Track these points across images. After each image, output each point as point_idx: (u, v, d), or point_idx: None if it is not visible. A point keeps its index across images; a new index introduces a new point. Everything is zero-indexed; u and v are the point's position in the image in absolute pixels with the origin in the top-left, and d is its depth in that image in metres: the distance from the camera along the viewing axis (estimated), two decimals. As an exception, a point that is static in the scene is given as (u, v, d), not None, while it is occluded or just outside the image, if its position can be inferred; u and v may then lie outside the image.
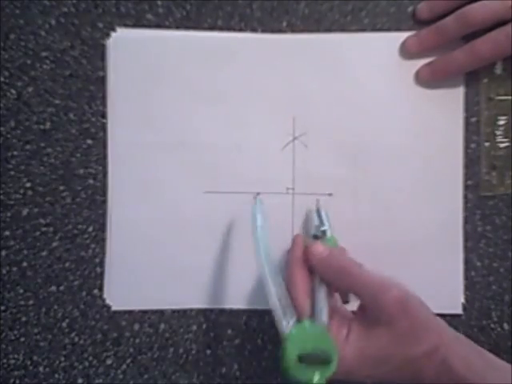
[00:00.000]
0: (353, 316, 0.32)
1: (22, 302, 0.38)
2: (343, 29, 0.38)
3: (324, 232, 0.35)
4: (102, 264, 0.38)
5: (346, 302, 0.35)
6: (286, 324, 0.30)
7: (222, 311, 0.38)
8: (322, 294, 0.32)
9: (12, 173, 0.38)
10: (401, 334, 0.30)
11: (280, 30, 0.38)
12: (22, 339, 0.38)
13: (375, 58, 0.38)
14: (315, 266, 0.33)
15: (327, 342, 0.30)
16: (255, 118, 0.38)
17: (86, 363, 0.38)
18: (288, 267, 0.33)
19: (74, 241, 0.38)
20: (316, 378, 0.28)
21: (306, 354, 0.29)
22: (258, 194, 0.35)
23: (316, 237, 0.35)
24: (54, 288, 0.38)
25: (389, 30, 0.38)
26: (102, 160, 0.38)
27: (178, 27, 0.38)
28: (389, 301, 0.30)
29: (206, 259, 0.38)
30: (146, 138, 0.38)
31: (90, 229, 0.38)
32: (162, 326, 0.38)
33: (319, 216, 0.36)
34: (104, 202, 0.38)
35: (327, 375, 0.29)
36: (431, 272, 0.38)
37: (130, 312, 0.38)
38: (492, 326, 0.38)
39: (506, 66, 0.38)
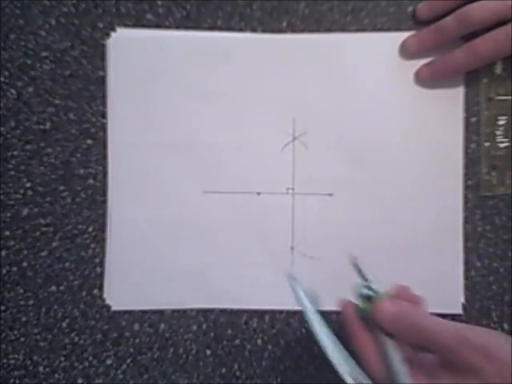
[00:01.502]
0: (437, 371, 0.30)
1: (22, 302, 0.38)
2: (343, 29, 0.38)
3: (370, 288, 0.31)
4: (102, 264, 0.38)
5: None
6: None
7: (222, 311, 0.38)
8: (394, 353, 0.29)
9: (12, 173, 0.38)
10: (491, 379, 0.28)
11: (280, 30, 0.38)
12: (22, 339, 0.38)
13: (375, 58, 0.38)
14: (386, 327, 0.30)
15: None
16: (255, 118, 0.38)
17: (86, 363, 0.38)
18: (350, 333, 0.31)
19: (74, 241, 0.38)
20: None
21: None
22: (292, 277, 0.32)
23: (367, 297, 0.31)
24: (53, 288, 0.38)
25: (389, 30, 0.38)
26: (102, 160, 0.38)
27: (178, 27, 0.38)
28: (472, 351, 0.28)
29: (206, 259, 0.38)
30: (146, 138, 0.38)
31: (90, 229, 0.38)
32: (162, 325, 0.38)
33: (359, 272, 0.32)
34: (104, 202, 0.38)
35: None
36: (431, 272, 0.38)
37: (130, 312, 0.38)
38: (492, 326, 0.38)
39: (505, 65, 0.38)
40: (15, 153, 0.38)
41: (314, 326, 0.30)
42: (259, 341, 0.39)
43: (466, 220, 0.38)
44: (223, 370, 0.39)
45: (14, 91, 0.38)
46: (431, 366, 0.30)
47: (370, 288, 0.31)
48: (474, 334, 0.29)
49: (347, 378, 0.28)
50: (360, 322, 0.31)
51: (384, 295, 0.31)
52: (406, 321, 0.30)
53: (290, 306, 0.38)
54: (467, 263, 0.38)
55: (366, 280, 0.32)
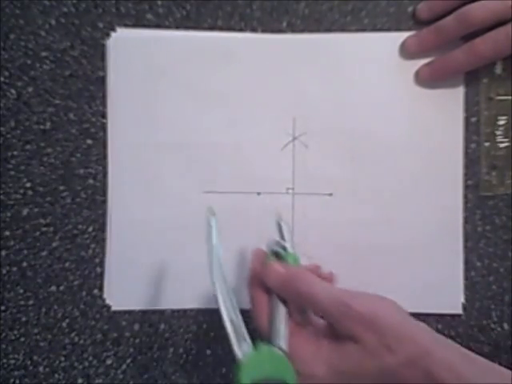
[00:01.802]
0: (323, 330, 0.31)
1: (22, 302, 0.38)
2: (343, 29, 0.38)
3: (284, 248, 0.33)
4: (102, 264, 0.38)
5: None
6: (240, 350, 0.28)
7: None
8: (280, 315, 0.30)
9: (12, 173, 0.38)
10: (371, 349, 0.28)
11: (280, 30, 0.38)
12: (22, 339, 0.38)
13: (375, 57, 0.38)
14: (273, 289, 0.31)
15: (284, 367, 0.28)
16: (255, 118, 0.38)
17: (86, 363, 0.38)
18: (248, 286, 0.32)
19: (74, 241, 0.38)
20: None
21: (261, 381, 0.27)
22: (211, 210, 0.32)
23: (276, 253, 0.33)
24: (53, 288, 0.38)
25: (389, 30, 0.38)
26: (102, 160, 0.38)
27: (177, 27, 0.38)
28: (352, 320, 0.28)
29: (206, 259, 0.38)
30: (146, 138, 0.38)
31: (90, 229, 0.38)
32: (162, 326, 0.38)
33: (280, 230, 0.34)
34: (104, 202, 0.38)
35: None
36: (431, 272, 0.38)
37: (130, 312, 0.38)
38: (492, 326, 0.38)
39: (505, 65, 0.38)
40: (15, 153, 0.38)
41: (211, 266, 0.30)
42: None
43: (466, 220, 0.38)
44: (223, 370, 0.39)
45: (13, 91, 0.38)
46: (319, 333, 0.30)
47: (282, 246, 0.32)
48: (357, 304, 0.29)
49: (227, 323, 0.29)
50: (260, 278, 0.32)
51: (291, 255, 0.32)
52: (293, 284, 0.30)
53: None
54: (467, 263, 0.38)
55: (283, 239, 0.33)
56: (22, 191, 0.38)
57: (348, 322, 0.28)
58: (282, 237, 0.33)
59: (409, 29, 0.38)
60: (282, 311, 0.31)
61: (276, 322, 0.30)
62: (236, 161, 0.38)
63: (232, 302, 0.30)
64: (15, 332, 0.38)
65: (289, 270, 0.31)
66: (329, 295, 0.30)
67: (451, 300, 0.38)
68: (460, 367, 0.27)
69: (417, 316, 0.32)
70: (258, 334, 0.30)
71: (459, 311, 0.38)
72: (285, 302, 0.31)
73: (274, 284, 0.31)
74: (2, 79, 0.38)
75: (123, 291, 0.38)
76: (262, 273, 0.32)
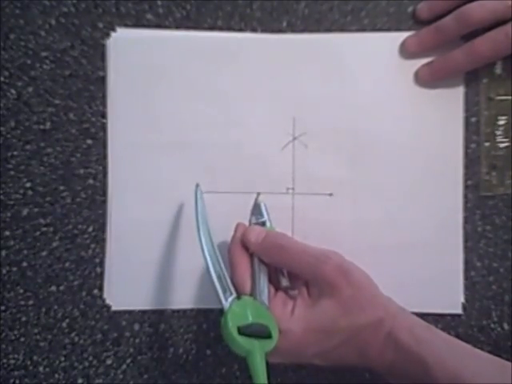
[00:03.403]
0: (298, 293, 0.33)
1: (22, 302, 0.38)
2: (343, 29, 0.38)
3: (264, 223, 0.35)
4: (102, 264, 0.38)
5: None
6: (226, 300, 0.31)
7: (222, 311, 0.38)
8: (262, 275, 0.33)
9: (12, 173, 0.38)
10: (344, 302, 0.30)
11: (280, 30, 0.38)
12: (22, 339, 0.38)
13: (375, 58, 0.38)
14: (253, 249, 0.33)
15: (267, 317, 0.30)
16: (255, 118, 0.38)
17: (86, 363, 0.38)
18: (229, 251, 0.34)
19: (74, 241, 0.38)
20: (256, 349, 0.29)
21: (246, 326, 0.29)
22: (197, 185, 0.36)
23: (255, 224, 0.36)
24: (53, 288, 0.38)
25: (389, 30, 0.38)
26: (102, 160, 0.38)
27: (177, 27, 0.38)
28: (328, 270, 0.30)
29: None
30: (146, 138, 0.38)
31: (90, 229, 0.38)
32: (162, 326, 0.38)
33: (259, 210, 0.36)
34: (104, 202, 0.38)
35: (268, 348, 0.29)
36: (431, 272, 0.38)
37: (130, 312, 0.38)
38: (492, 326, 0.38)
39: (505, 65, 0.38)
40: (15, 153, 0.38)
41: (198, 228, 0.33)
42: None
43: (466, 220, 0.38)
44: (223, 370, 0.39)
45: (13, 91, 0.38)
46: (294, 295, 0.33)
47: (261, 222, 0.35)
48: (336, 257, 0.31)
49: (213, 274, 0.32)
50: (242, 243, 0.34)
51: (270, 228, 0.35)
52: (273, 241, 0.33)
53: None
54: (467, 263, 0.38)
55: (261, 216, 0.36)
56: (21, 191, 0.38)
57: (328, 269, 0.30)
58: (261, 214, 0.36)
59: (409, 29, 0.38)
60: (262, 271, 0.33)
61: (257, 280, 0.32)
62: (236, 161, 0.38)
63: (217, 257, 0.32)
64: (15, 332, 0.38)
65: (267, 231, 0.34)
66: (308, 248, 0.32)
67: (451, 300, 0.38)
68: (420, 332, 0.30)
69: (417, 316, 0.32)
70: (238, 292, 0.32)
71: (459, 311, 0.38)
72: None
73: (255, 242, 0.33)
74: (2, 79, 0.38)
75: (123, 291, 0.38)
76: (244, 234, 0.34)
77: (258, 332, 0.29)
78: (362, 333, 0.30)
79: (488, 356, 0.29)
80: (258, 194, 0.37)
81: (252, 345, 0.29)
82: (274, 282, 0.34)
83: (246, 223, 0.36)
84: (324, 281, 0.31)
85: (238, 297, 0.31)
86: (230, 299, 0.31)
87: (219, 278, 0.32)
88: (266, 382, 0.28)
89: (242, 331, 0.29)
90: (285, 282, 0.33)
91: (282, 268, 0.34)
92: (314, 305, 0.31)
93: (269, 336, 0.29)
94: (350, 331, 0.30)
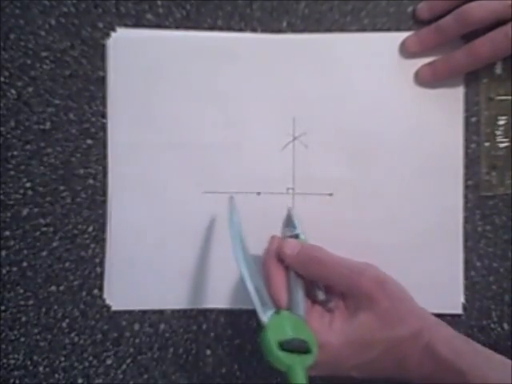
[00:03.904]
0: (335, 306, 0.32)
1: (22, 302, 0.38)
2: (343, 29, 0.38)
3: (297, 236, 0.35)
4: (102, 264, 0.38)
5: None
6: (265, 313, 0.30)
7: (222, 311, 0.38)
8: (298, 288, 0.33)
9: (12, 173, 0.38)
10: (382, 314, 0.30)
11: (280, 30, 0.38)
12: (22, 339, 0.38)
13: (375, 58, 0.38)
14: (289, 262, 0.33)
15: (306, 332, 0.30)
16: (255, 118, 0.38)
17: (86, 363, 0.38)
18: (264, 264, 0.34)
19: (74, 241, 0.38)
20: (297, 364, 0.28)
21: (287, 342, 0.29)
22: (231, 197, 0.36)
23: (289, 237, 0.36)
24: (53, 288, 0.38)
25: (389, 30, 0.38)
26: (102, 160, 0.38)
27: (177, 27, 0.38)
28: (366, 282, 0.30)
29: (206, 259, 0.38)
30: (146, 138, 0.38)
31: (90, 229, 0.38)
32: (162, 326, 0.38)
33: (292, 222, 0.37)
34: (104, 201, 0.38)
35: (308, 363, 0.29)
36: (431, 272, 0.38)
37: (130, 312, 0.38)
38: (492, 326, 0.38)
39: (505, 66, 0.38)
40: (15, 153, 0.38)
41: (233, 241, 0.33)
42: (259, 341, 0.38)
43: (466, 220, 0.38)
44: (223, 370, 0.39)
45: (13, 91, 0.38)
46: (331, 308, 0.32)
47: (295, 234, 0.36)
48: (372, 270, 0.31)
49: (251, 289, 0.31)
50: (277, 257, 0.34)
51: (303, 240, 0.35)
52: (309, 254, 0.33)
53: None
54: (467, 263, 0.38)
55: (294, 228, 0.36)
56: (21, 191, 0.38)
57: (365, 281, 0.30)
58: (294, 227, 0.36)
59: (409, 29, 0.38)
60: (299, 284, 0.33)
61: (294, 294, 0.32)
62: (236, 161, 0.38)
63: (254, 271, 0.32)
64: (15, 332, 0.38)
65: (303, 245, 0.34)
66: (344, 260, 0.32)
67: (451, 300, 0.38)
68: (459, 345, 0.30)
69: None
70: (276, 306, 0.32)
71: (459, 311, 0.38)
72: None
73: (291, 255, 0.33)
74: (2, 79, 0.38)
75: (123, 291, 0.38)
76: (279, 247, 0.34)
77: (299, 347, 0.29)
78: (400, 344, 0.30)
79: None
80: (290, 208, 0.38)
81: (293, 360, 0.28)
82: (309, 295, 0.33)
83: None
84: (361, 293, 0.30)
85: (277, 311, 0.31)
86: (269, 313, 0.31)
87: (257, 292, 0.31)
88: None
89: (282, 347, 0.29)
90: (321, 296, 0.33)
91: (318, 281, 0.34)
92: (352, 317, 0.31)
93: (309, 351, 0.29)
94: (388, 343, 0.30)
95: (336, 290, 0.33)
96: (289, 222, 0.37)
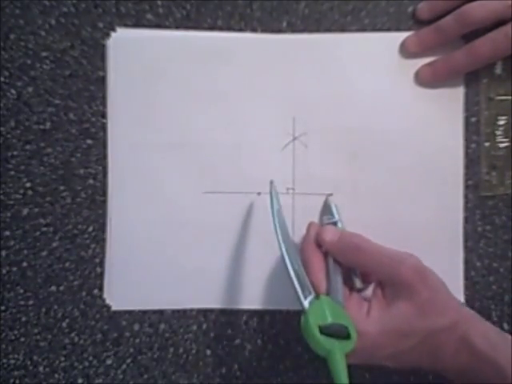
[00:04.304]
0: (373, 294, 0.32)
1: (22, 302, 0.38)
2: (343, 29, 0.38)
3: (335, 223, 0.36)
4: (102, 264, 0.38)
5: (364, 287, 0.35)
6: (305, 298, 0.30)
7: (222, 311, 0.38)
8: (337, 275, 0.33)
9: (12, 173, 0.38)
10: (422, 304, 0.30)
11: (280, 30, 0.38)
12: (22, 339, 0.38)
13: (375, 58, 0.38)
14: (328, 249, 0.33)
15: (345, 318, 0.30)
16: (255, 118, 0.38)
17: (86, 363, 0.38)
18: (303, 250, 0.34)
19: (74, 241, 0.38)
20: (337, 349, 0.28)
21: (327, 326, 0.29)
22: (272, 182, 0.36)
23: (328, 224, 0.36)
24: (53, 288, 0.38)
25: (389, 30, 0.38)
26: (102, 160, 0.38)
27: (177, 27, 0.38)
28: (406, 271, 0.30)
29: (206, 259, 0.38)
30: (146, 138, 0.38)
31: (90, 229, 0.38)
32: (162, 326, 0.38)
33: (330, 210, 0.37)
34: (104, 201, 0.38)
35: (348, 349, 0.29)
36: (431, 272, 0.38)
37: (130, 312, 0.38)
38: (492, 325, 0.38)
39: (505, 65, 0.38)
40: (15, 153, 0.38)
41: (275, 226, 0.33)
42: (259, 341, 0.39)
43: (466, 220, 0.38)
44: (223, 370, 0.39)
45: (14, 91, 0.38)
46: (369, 297, 0.32)
47: (333, 222, 0.36)
48: (411, 259, 0.31)
49: (292, 274, 0.31)
50: (315, 243, 0.34)
51: (342, 228, 0.35)
52: (349, 241, 0.33)
53: (290, 306, 0.38)
54: (467, 263, 0.38)
55: (333, 216, 0.36)
56: (21, 191, 0.38)
57: (406, 271, 0.30)
58: (332, 214, 0.37)
59: (409, 29, 0.38)
60: (338, 271, 0.33)
61: (333, 280, 0.32)
62: (236, 161, 0.38)
63: (295, 256, 0.32)
64: (15, 332, 0.38)
65: (342, 231, 0.34)
66: (384, 249, 0.32)
67: (451, 300, 0.38)
68: (494, 337, 0.30)
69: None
70: (315, 292, 0.32)
71: (459, 311, 0.38)
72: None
73: (330, 241, 0.33)
74: (2, 79, 0.38)
75: (123, 291, 0.38)
76: (318, 234, 0.34)
77: (339, 332, 0.29)
78: (436, 336, 0.30)
79: None
80: (328, 197, 0.38)
81: (333, 345, 0.28)
82: (346, 283, 0.33)
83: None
84: (400, 282, 0.30)
85: (317, 296, 0.31)
86: (309, 298, 0.31)
87: (298, 277, 0.31)
88: (348, 382, 0.28)
89: (322, 331, 0.29)
90: (359, 284, 0.33)
91: (357, 268, 0.34)
92: (390, 306, 0.31)
93: (348, 337, 0.29)
94: (425, 334, 0.30)
95: (374, 279, 0.33)
96: (327, 210, 0.37)
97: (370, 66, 0.38)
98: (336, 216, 0.36)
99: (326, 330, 0.29)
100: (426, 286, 0.30)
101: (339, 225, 0.36)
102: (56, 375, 0.38)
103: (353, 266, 0.33)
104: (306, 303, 0.30)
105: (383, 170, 0.38)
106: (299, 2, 0.38)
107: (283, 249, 0.32)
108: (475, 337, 0.29)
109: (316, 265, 0.33)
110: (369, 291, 0.33)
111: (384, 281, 0.32)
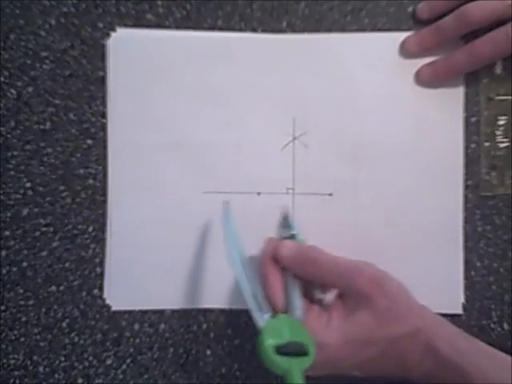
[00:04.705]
0: (332, 305, 0.32)
1: (22, 302, 0.38)
2: (343, 29, 0.38)
3: (293, 236, 0.35)
4: (102, 264, 0.38)
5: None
6: (261, 318, 0.30)
7: (222, 311, 0.38)
8: (295, 289, 0.32)
9: (12, 173, 0.38)
10: (381, 313, 0.30)
11: (280, 30, 0.38)
12: (22, 339, 0.38)
13: (375, 58, 0.38)
14: (286, 264, 0.33)
15: (303, 334, 0.30)
16: (255, 118, 0.38)
17: (86, 363, 0.38)
18: (260, 267, 0.34)
19: (74, 241, 0.38)
20: (294, 367, 0.28)
21: (283, 346, 0.29)
22: (226, 202, 0.36)
23: (286, 238, 0.35)
24: (54, 288, 0.38)
25: (389, 30, 0.38)
26: (102, 160, 0.38)
27: (178, 27, 0.38)
28: (363, 281, 0.30)
29: (206, 259, 0.38)
30: (146, 138, 0.38)
31: (90, 229, 0.38)
32: (162, 326, 0.38)
33: (288, 223, 0.36)
34: (104, 201, 0.38)
35: (306, 365, 0.29)
36: (431, 272, 0.38)
37: (130, 312, 0.38)
38: (492, 326, 0.38)
39: (506, 65, 0.38)
40: (15, 153, 0.38)
41: (228, 247, 0.33)
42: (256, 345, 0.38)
43: (466, 220, 0.38)
44: (223, 370, 0.39)
45: (14, 91, 0.38)
46: (329, 308, 0.32)
47: (291, 235, 0.35)
48: (369, 269, 0.31)
49: (247, 293, 0.31)
50: (273, 258, 0.33)
51: (301, 241, 0.35)
52: (306, 255, 0.33)
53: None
54: (467, 263, 0.38)
55: (291, 228, 0.36)
56: (22, 191, 0.38)
57: (362, 281, 0.30)
58: (290, 227, 0.36)
59: (409, 29, 0.38)
60: (296, 285, 0.33)
61: (291, 295, 0.32)
62: (236, 161, 0.38)
63: (250, 275, 0.32)
64: (15, 332, 0.38)
65: (299, 245, 0.34)
66: (341, 260, 0.32)
67: (451, 300, 0.38)
68: (460, 343, 0.30)
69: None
70: (273, 309, 0.31)
71: (459, 311, 0.38)
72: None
73: (287, 256, 0.33)
74: (2, 79, 0.38)
75: (123, 291, 0.38)
76: (275, 249, 0.33)
77: (296, 350, 0.29)
78: (399, 343, 0.30)
79: None
80: (285, 207, 0.37)
81: (290, 364, 0.28)
82: (307, 295, 0.33)
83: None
84: (358, 292, 0.30)
85: (273, 314, 0.31)
86: (265, 318, 0.31)
87: (254, 296, 0.31)
88: None
89: (279, 350, 0.29)
90: (318, 294, 0.33)
91: (316, 281, 0.33)
92: (350, 316, 0.31)
93: (306, 353, 0.29)
94: (386, 342, 0.30)
95: (333, 290, 0.33)
96: (285, 223, 0.37)
97: (370, 66, 0.38)
98: (295, 228, 0.36)
99: (282, 350, 0.29)
100: (384, 294, 0.30)
101: (299, 237, 0.35)
102: (56, 375, 0.38)
103: (311, 279, 0.33)
104: (261, 322, 0.30)
105: (383, 170, 0.38)
106: (299, 2, 0.38)
107: (237, 269, 0.32)
108: (440, 342, 0.29)
109: (273, 282, 0.32)
110: (330, 300, 0.33)
111: (343, 292, 0.32)
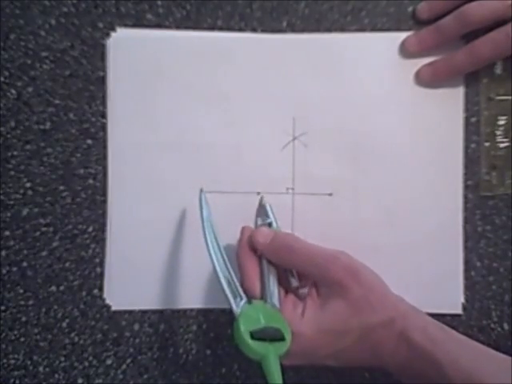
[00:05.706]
0: (308, 294, 0.32)
1: (22, 302, 0.38)
2: (343, 29, 0.38)
3: (270, 224, 0.35)
4: (102, 264, 0.38)
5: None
6: (237, 304, 0.30)
7: (222, 311, 0.38)
8: (272, 277, 0.33)
9: (12, 173, 0.38)
10: (355, 302, 0.30)
11: (280, 30, 0.38)
12: (22, 339, 0.38)
13: (375, 58, 0.38)
14: (262, 251, 0.33)
15: (279, 320, 0.30)
16: (255, 117, 0.38)
17: (86, 363, 0.38)
18: (237, 255, 0.34)
19: (74, 241, 0.38)
20: (270, 352, 0.28)
21: (259, 331, 0.29)
22: (201, 190, 0.36)
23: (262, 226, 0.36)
24: (54, 288, 0.38)
25: (389, 30, 0.38)
26: (102, 160, 0.38)
27: (178, 27, 0.38)
28: (338, 270, 0.30)
29: (206, 259, 0.38)
30: (146, 138, 0.38)
31: (90, 229, 0.38)
32: (162, 326, 0.38)
33: (265, 211, 0.36)
34: (104, 201, 0.38)
35: (282, 351, 0.29)
36: (431, 272, 0.38)
37: (130, 312, 0.38)
38: (492, 326, 0.38)
39: (506, 65, 0.38)
40: (15, 153, 0.38)
41: (205, 233, 0.33)
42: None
43: (466, 220, 0.38)
44: (223, 370, 0.39)
45: (14, 91, 0.38)
46: (304, 297, 0.32)
47: (268, 223, 0.35)
48: (345, 258, 0.31)
49: (223, 280, 0.31)
50: (249, 246, 0.34)
51: (276, 228, 0.35)
52: (282, 242, 0.33)
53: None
54: (467, 263, 0.38)
55: (267, 217, 0.36)
56: (22, 191, 0.38)
57: (337, 269, 0.30)
58: (267, 215, 0.36)
59: (409, 29, 0.38)
60: (272, 273, 0.33)
61: (267, 283, 0.32)
62: (236, 161, 0.38)
63: (225, 262, 0.32)
64: (15, 332, 0.38)
65: (275, 232, 0.34)
66: (316, 248, 0.32)
67: (451, 300, 0.38)
68: (434, 332, 0.30)
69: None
70: (249, 296, 0.32)
71: (459, 311, 0.38)
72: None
73: (263, 243, 0.33)
74: (2, 79, 0.38)
75: (123, 291, 0.38)
76: (252, 236, 0.33)
77: (272, 335, 0.29)
78: (373, 332, 0.30)
79: (502, 356, 0.29)
80: (260, 195, 0.37)
81: (266, 349, 0.28)
82: (283, 283, 0.33)
83: (250, 225, 0.36)
84: (333, 281, 0.30)
85: (249, 301, 0.31)
86: (240, 304, 0.31)
87: (229, 283, 0.31)
88: (281, 383, 0.28)
89: (255, 336, 0.29)
90: (294, 283, 0.33)
91: (291, 269, 0.34)
92: (324, 306, 0.31)
93: (282, 339, 0.29)
94: (360, 331, 0.30)
95: (309, 278, 0.33)
96: (261, 211, 0.36)
97: (370, 66, 0.38)
98: (271, 216, 0.36)
99: (258, 335, 0.29)
100: (359, 283, 0.30)
101: (274, 225, 0.35)
102: (56, 375, 0.38)
103: (287, 266, 0.33)
104: (237, 309, 0.30)
105: (383, 170, 0.38)
106: (299, 2, 0.38)
107: (213, 256, 0.32)
108: (414, 331, 0.29)
109: (250, 269, 0.33)
110: (306, 289, 0.33)
111: (317, 280, 0.32)
